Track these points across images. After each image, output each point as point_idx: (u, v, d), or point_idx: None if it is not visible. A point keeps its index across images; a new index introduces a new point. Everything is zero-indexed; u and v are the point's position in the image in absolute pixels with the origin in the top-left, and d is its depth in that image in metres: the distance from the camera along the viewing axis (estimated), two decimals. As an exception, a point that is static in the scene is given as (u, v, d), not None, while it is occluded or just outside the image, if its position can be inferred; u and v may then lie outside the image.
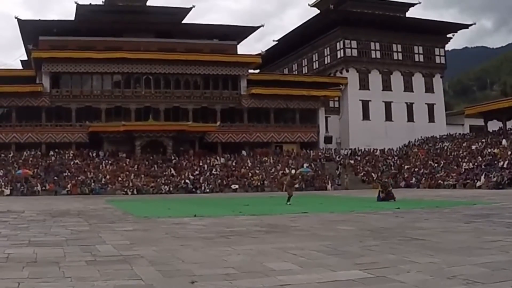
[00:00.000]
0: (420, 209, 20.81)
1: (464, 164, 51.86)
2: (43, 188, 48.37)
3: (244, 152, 61.15)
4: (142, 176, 52.65)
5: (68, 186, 48.99)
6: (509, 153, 49.22)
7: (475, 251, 8.84)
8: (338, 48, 70.73)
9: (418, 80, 72.31)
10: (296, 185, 26.77)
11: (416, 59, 72.75)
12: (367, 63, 70.05)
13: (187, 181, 52.15)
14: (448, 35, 75.20)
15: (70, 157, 56.17)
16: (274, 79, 67.88)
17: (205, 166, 56.26)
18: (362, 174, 57.48)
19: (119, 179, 51.47)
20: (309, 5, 78.82)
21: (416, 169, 56.45)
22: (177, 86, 62.55)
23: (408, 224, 14.29)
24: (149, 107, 60.51)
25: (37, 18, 72.30)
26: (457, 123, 72.82)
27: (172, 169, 54.50)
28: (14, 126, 58.03)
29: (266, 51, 71.96)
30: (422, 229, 12.87)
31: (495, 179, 44.52)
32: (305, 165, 56.10)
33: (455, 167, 52.63)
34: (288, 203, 25.04)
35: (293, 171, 32.57)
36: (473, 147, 56.22)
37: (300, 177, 27.17)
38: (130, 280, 6.90)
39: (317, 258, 8.51)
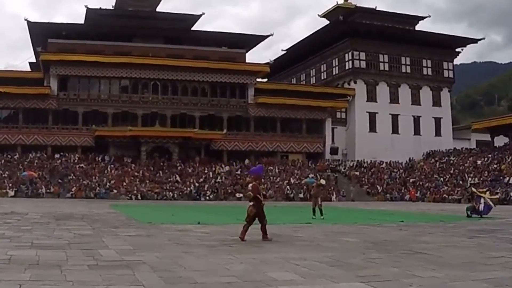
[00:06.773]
0: (424, 222, 20.73)
1: (470, 179, 51.75)
2: (48, 190, 48.47)
3: (247, 161, 60.94)
4: (147, 181, 52.64)
5: (73, 189, 49.01)
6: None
7: (478, 267, 8.80)
8: (346, 59, 70.80)
9: (425, 93, 72.22)
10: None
11: (424, 73, 72.70)
12: (375, 75, 70.05)
13: (191, 188, 52.17)
14: (457, 49, 75.16)
15: (76, 161, 56.31)
16: (281, 89, 67.78)
17: (210, 173, 56.26)
18: (367, 186, 57.39)
19: (124, 184, 51.48)
20: (318, 15, 79.19)
21: (421, 183, 56.36)
22: (185, 92, 62.56)
23: (412, 238, 14.23)
24: (156, 113, 60.55)
25: (46, 20, 72.70)
26: (463, 137, 72.67)
27: (177, 176, 54.50)
28: (21, 127, 58.14)
29: (274, 60, 71.81)
30: (426, 243, 12.82)
31: (500, 194, 44.38)
32: (310, 175, 55.91)
33: (461, 182, 52.51)
34: (321, 217, 22.41)
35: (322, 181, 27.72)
36: (479, 162, 56.09)
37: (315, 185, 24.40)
38: (131, 285, 6.89)
39: (319, 269, 8.48)
